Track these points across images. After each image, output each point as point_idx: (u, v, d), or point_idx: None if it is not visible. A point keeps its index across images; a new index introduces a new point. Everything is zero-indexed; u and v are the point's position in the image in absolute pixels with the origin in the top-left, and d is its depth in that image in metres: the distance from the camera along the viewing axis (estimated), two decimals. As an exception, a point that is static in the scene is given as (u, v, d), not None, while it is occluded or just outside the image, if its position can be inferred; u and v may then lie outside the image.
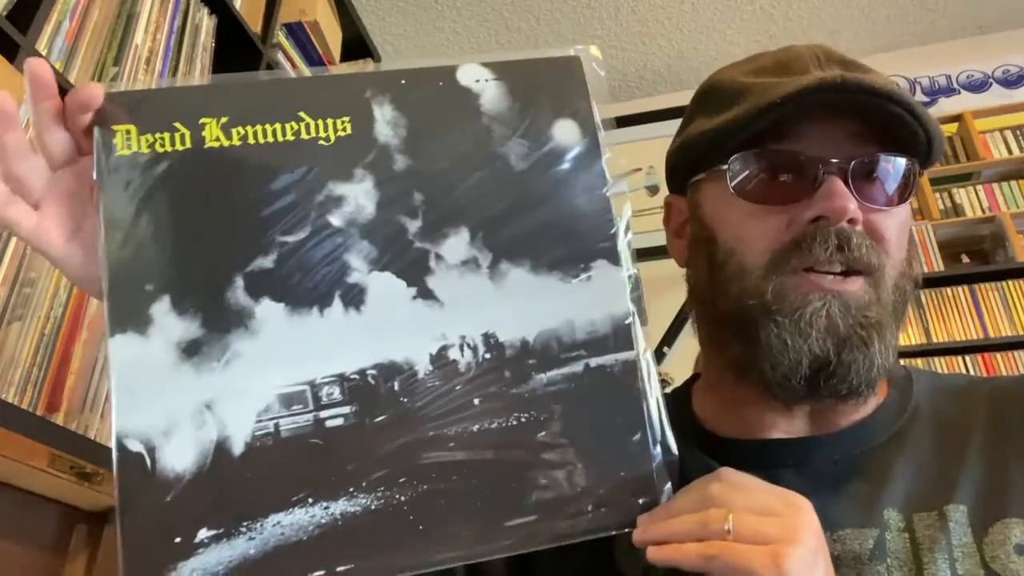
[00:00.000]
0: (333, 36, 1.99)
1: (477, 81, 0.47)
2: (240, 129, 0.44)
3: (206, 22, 1.49)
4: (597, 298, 0.46)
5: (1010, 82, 2.65)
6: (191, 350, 0.42)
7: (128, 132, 0.44)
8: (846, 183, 0.51)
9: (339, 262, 0.44)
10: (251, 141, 0.44)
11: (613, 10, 2.64)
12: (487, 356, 0.44)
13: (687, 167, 0.60)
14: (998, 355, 2.08)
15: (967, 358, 2.10)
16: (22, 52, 1.00)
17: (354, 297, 0.44)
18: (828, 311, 0.49)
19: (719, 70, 0.61)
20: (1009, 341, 2.08)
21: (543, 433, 0.44)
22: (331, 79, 0.49)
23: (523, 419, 0.44)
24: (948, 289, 2.20)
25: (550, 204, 0.46)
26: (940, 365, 2.10)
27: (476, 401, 0.43)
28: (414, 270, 0.44)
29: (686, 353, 2.38)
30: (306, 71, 1.88)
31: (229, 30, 1.56)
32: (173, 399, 0.41)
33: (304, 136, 0.45)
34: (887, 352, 0.50)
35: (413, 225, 0.45)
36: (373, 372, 0.43)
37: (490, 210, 0.46)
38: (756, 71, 0.57)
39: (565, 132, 0.47)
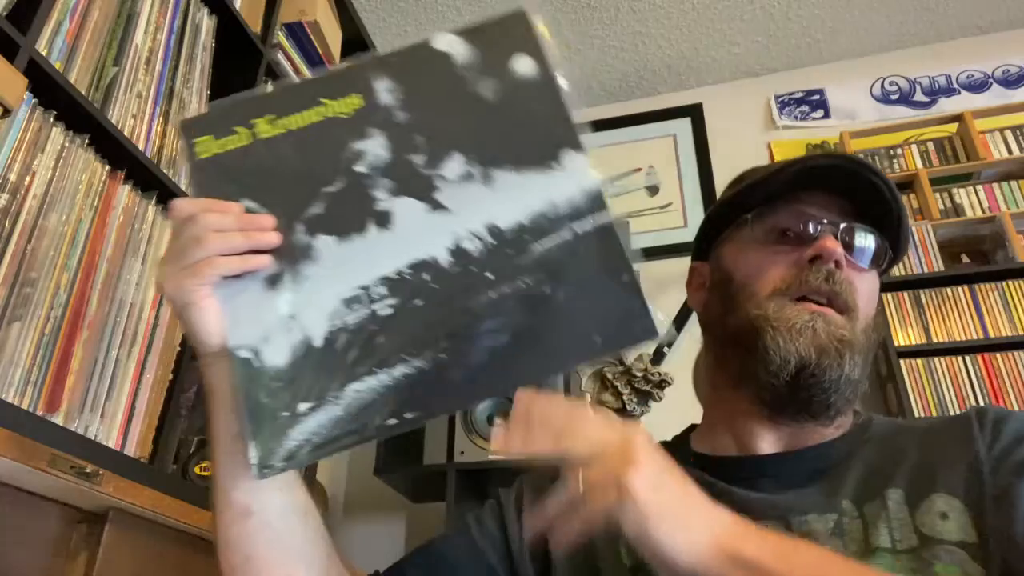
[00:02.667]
0: (333, 36, 1.99)
1: (448, 45, 0.60)
2: (283, 120, 0.59)
3: (206, 22, 1.49)
4: (570, 179, 0.56)
5: (1010, 82, 2.65)
6: (274, 281, 0.57)
7: (206, 141, 0.59)
8: (835, 238, 0.67)
9: (368, 197, 0.57)
10: (291, 127, 0.59)
11: (613, 10, 2.64)
12: (492, 241, 0.56)
13: (713, 231, 0.76)
14: (998, 355, 2.08)
15: (967, 358, 2.09)
16: (22, 52, 1.00)
17: (384, 219, 0.57)
18: (814, 325, 0.64)
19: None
20: (1009, 341, 2.08)
21: (547, 287, 0.54)
22: (340, 71, 0.61)
23: (530, 281, 0.55)
24: (948, 289, 2.20)
25: (519, 118, 0.58)
26: (940, 365, 2.10)
27: (489, 275, 0.55)
28: (425, 191, 0.57)
29: (686, 353, 2.38)
30: (307, 73, 1.88)
31: (229, 30, 1.56)
32: (266, 317, 0.56)
33: (329, 115, 0.59)
34: (855, 368, 0.64)
35: (419, 159, 0.58)
36: (408, 270, 0.56)
37: (475, 134, 0.58)
38: (775, 162, 0.75)
39: (521, 64, 0.59)
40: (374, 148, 0.58)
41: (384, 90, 0.59)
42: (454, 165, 0.57)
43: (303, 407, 0.54)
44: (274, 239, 0.57)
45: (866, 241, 0.69)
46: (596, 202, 0.55)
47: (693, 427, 0.79)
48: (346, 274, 0.56)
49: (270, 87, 0.62)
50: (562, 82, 0.58)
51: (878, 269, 0.70)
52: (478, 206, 0.56)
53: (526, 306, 0.54)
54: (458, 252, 0.55)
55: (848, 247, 0.67)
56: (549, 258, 0.54)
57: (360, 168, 0.58)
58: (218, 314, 0.56)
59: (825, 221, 0.68)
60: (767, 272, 0.68)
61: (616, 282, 0.54)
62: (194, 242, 0.55)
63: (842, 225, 0.68)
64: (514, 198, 0.56)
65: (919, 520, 0.58)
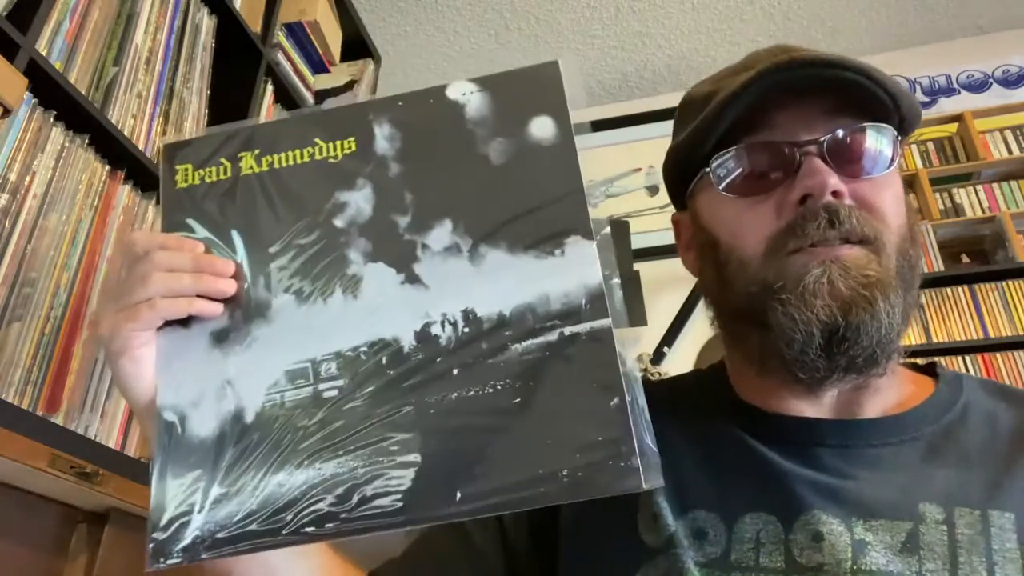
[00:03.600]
0: (333, 36, 1.99)
1: (464, 94, 0.53)
2: (268, 157, 0.54)
3: (206, 22, 1.49)
4: (571, 271, 0.48)
5: (1010, 82, 2.65)
6: (221, 337, 0.51)
7: (187, 169, 0.55)
8: (824, 160, 0.52)
9: (341, 257, 0.51)
10: (276, 166, 0.54)
11: (613, 10, 2.64)
12: (466, 330, 0.48)
13: (679, 180, 0.63)
14: (998, 355, 2.08)
15: (967, 358, 2.09)
16: (22, 52, 1.00)
17: (351, 286, 0.50)
18: (828, 277, 0.50)
19: (691, 87, 0.64)
20: (1009, 341, 2.08)
21: (518, 399, 0.46)
22: (342, 109, 0.56)
23: (499, 386, 0.46)
24: (948, 289, 2.20)
25: (526, 190, 0.50)
26: (940, 365, 2.10)
27: (455, 371, 0.47)
28: (403, 259, 0.50)
29: (686, 353, 2.38)
30: (306, 72, 1.88)
31: (229, 30, 1.56)
32: (203, 377, 0.50)
33: (318, 157, 0.53)
34: (894, 312, 0.51)
35: (403, 221, 0.51)
36: (364, 349, 0.49)
37: (472, 201, 0.51)
38: (721, 77, 0.60)
39: (540, 126, 0.51)
40: (358, 201, 0.52)
41: (383, 136, 0.53)
42: (441, 233, 0.50)
43: (216, 492, 0.47)
44: (229, 287, 0.50)
45: (863, 141, 0.53)
46: (596, 304, 0.46)
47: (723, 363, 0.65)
48: (297, 342, 0.50)
49: (266, 118, 0.58)
50: (582, 154, 0.50)
51: (892, 164, 0.54)
52: (458, 286, 0.49)
53: (486, 418, 0.46)
54: (424, 337, 0.48)
55: (843, 155, 0.52)
56: (527, 362, 0.46)
57: (339, 222, 0.51)
58: (151, 367, 0.50)
59: (805, 140, 0.52)
60: (752, 232, 0.54)
61: (602, 405, 0.44)
62: (139, 281, 0.49)
63: (825, 139, 0.52)
64: (501, 284, 0.48)
65: None
